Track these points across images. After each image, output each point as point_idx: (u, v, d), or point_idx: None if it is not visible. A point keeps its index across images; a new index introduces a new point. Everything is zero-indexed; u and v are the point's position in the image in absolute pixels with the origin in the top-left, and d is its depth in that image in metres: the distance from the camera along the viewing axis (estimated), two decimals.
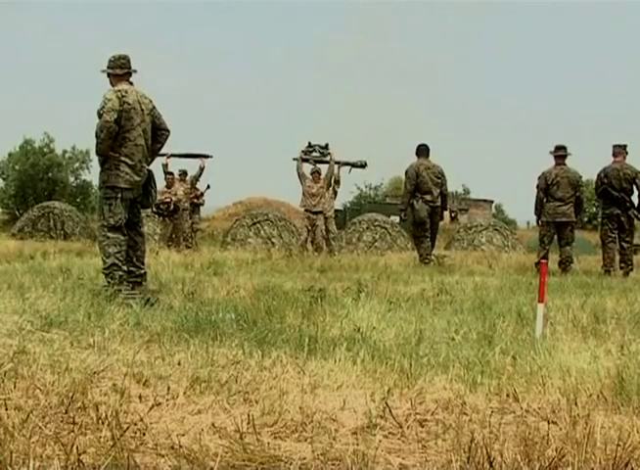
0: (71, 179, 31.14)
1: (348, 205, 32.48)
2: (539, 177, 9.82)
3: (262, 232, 16.25)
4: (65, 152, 30.67)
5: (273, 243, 15.70)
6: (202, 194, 14.57)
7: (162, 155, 11.91)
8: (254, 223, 16.36)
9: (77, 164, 30.93)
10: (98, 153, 5.65)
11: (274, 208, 23.52)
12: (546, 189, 9.67)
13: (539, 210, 9.86)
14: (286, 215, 17.73)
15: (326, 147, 12.99)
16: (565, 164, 9.69)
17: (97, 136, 5.54)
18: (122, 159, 5.59)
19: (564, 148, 9.76)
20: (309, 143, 12.98)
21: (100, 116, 5.54)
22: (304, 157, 12.72)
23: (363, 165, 13.36)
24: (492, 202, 38.95)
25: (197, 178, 13.86)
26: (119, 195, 5.60)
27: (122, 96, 5.59)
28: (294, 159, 12.72)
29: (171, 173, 13.47)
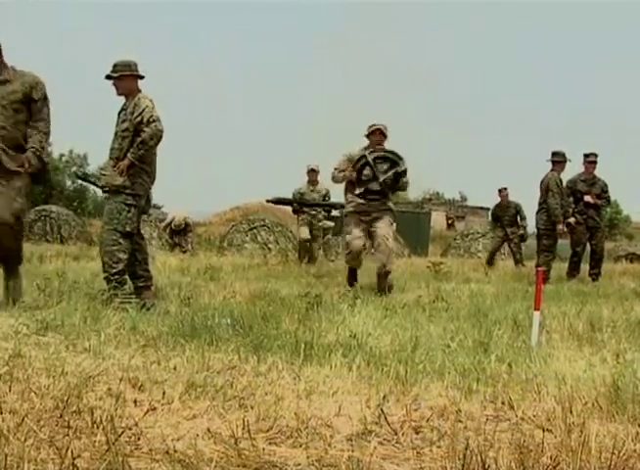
0: (68, 183, 31.18)
1: (344, 211, 32.31)
2: None
3: (259, 237, 16.24)
4: (62, 155, 30.73)
5: (269, 248, 15.69)
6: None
7: None
8: (251, 229, 16.36)
9: (75, 168, 30.98)
10: (136, 159, 5.41)
11: (271, 213, 23.48)
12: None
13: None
14: (282, 221, 17.74)
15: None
16: (555, 171, 9.64)
17: (145, 143, 5.36)
18: (144, 166, 5.50)
19: (556, 154, 9.72)
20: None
21: (147, 123, 5.36)
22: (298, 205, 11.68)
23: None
24: (489, 209, 38.94)
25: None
26: (137, 203, 5.54)
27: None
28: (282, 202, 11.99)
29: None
